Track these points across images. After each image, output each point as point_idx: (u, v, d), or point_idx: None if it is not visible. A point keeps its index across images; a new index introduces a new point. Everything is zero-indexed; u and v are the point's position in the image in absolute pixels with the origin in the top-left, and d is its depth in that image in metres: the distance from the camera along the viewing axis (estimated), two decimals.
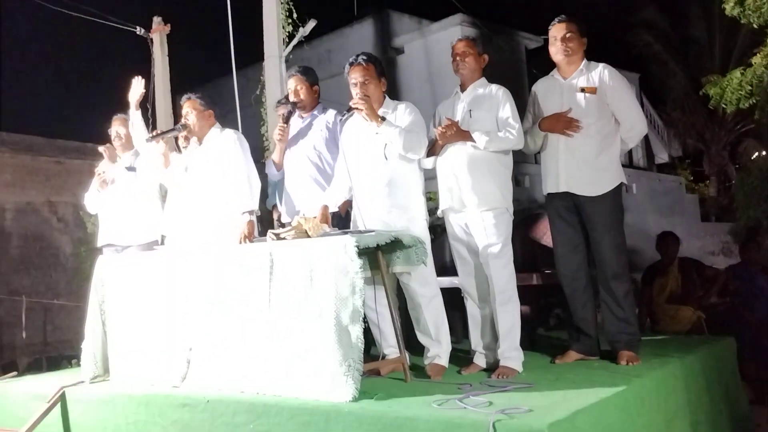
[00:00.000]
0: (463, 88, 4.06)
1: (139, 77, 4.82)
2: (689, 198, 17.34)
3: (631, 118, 4.00)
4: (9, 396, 4.40)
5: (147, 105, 9.93)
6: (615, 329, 3.93)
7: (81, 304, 5.14)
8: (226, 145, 4.32)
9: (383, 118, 3.81)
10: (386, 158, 3.83)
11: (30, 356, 9.95)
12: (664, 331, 5.88)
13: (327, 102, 4.65)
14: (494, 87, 3.99)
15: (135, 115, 4.87)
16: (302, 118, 4.54)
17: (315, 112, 4.52)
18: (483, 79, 4.04)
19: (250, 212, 4.17)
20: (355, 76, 3.91)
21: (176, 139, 4.86)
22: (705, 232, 16.31)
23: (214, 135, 4.41)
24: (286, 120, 4.46)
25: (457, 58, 4.01)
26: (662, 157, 19.61)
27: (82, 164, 10.27)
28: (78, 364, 4.44)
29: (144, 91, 4.83)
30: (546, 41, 4.14)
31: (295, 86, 4.49)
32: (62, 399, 4.01)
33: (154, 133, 4.70)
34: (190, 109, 4.39)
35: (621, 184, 4.00)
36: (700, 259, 7.60)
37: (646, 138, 17.25)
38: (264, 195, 4.65)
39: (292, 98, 4.49)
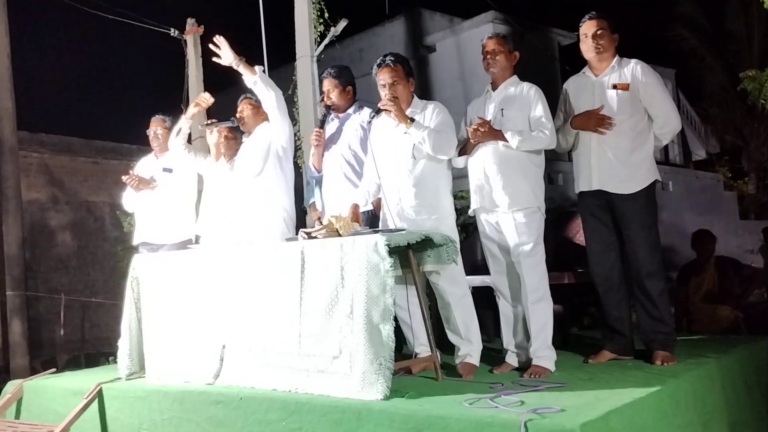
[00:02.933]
0: (494, 87, 4.02)
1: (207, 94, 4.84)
2: (727, 195, 17.01)
3: (664, 114, 3.94)
4: (48, 392, 4.50)
5: (181, 106, 10.08)
6: (650, 329, 3.88)
7: (118, 301, 5.23)
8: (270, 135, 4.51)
9: (412, 120, 3.80)
10: (414, 158, 3.83)
11: (68, 353, 10.15)
12: (701, 331, 5.78)
13: (358, 101, 4.64)
14: (526, 86, 3.94)
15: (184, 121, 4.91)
16: (338, 118, 4.52)
17: (350, 112, 4.50)
18: (514, 77, 3.99)
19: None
20: (383, 77, 3.90)
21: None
22: (744, 230, 15.98)
23: (262, 127, 4.56)
24: (322, 124, 4.47)
25: (488, 56, 3.98)
26: (699, 153, 19.27)
27: (119, 165, 10.43)
28: (115, 361, 4.53)
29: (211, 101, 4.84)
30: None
31: (327, 88, 4.50)
32: (99, 395, 4.10)
33: (209, 122, 4.80)
34: (245, 106, 4.66)
35: (655, 181, 3.94)
36: (739, 258, 7.45)
37: (683, 134, 16.97)
38: (299, 195, 4.69)
39: (325, 100, 4.51)
